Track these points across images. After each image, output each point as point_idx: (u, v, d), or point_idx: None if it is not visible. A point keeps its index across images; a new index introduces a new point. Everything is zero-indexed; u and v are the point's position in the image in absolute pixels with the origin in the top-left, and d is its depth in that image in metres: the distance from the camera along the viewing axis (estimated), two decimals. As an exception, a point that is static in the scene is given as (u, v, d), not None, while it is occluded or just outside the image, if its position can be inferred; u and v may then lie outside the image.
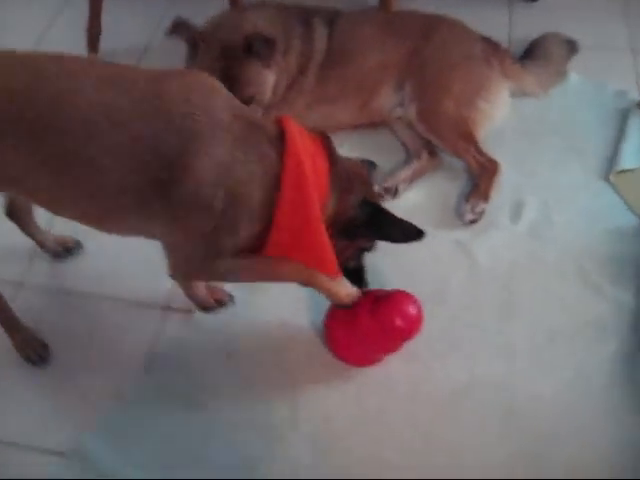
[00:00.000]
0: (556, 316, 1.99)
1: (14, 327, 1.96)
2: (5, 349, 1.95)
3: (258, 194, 1.54)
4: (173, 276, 1.72)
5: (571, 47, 2.61)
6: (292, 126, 1.59)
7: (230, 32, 2.20)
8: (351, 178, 1.67)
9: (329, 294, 1.74)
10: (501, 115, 2.39)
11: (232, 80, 2.06)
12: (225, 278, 1.80)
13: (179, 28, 2.20)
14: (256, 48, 2.15)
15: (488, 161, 2.26)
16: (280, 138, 1.57)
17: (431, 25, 2.42)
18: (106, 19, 2.78)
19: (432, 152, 2.34)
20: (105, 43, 2.80)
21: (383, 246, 2.11)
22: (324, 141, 1.66)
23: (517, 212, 2.23)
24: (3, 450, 1.81)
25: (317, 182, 1.57)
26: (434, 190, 2.31)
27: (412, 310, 1.76)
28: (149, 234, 1.68)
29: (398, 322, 1.74)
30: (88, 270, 2.15)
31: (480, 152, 2.27)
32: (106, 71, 1.56)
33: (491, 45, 2.46)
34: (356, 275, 1.83)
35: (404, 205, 2.24)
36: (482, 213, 2.18)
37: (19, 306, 1.98)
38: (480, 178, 2.25)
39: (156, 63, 2.68)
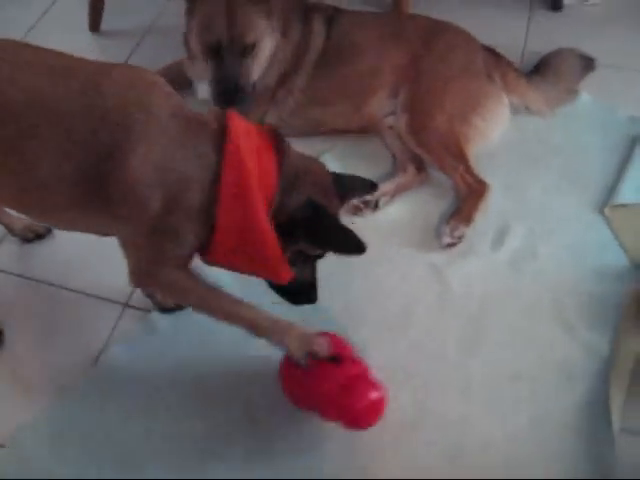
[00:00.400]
0: (522, 355, 1.89)
1: None
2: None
3: (197, 195, 1.49)
4: (130, 281, 1.66)
5: (587, 64, 2.47)
6: (236, 123, 1.52)
7: None
8: (300, 175, 1.57)
9: (281, 347, 1.61)
10: (497, 133, 2.28)
11: (234, 24, 2.10)
12: (175, 294, 1.71)
13: None
14: None
15: (477, 182, 2.15)
16: (222, 136, 1.50)
17: (433, 33, 2.31)
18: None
19: (419, 167, 2.23)
20: (108, 22, 2.78)
21: (353, 260, 2.05)
22: (274, 137, 1.57)
23: (500, 239, 2.11)
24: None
25: (263, 180, 1.50)
26: (417, 207, 2.21)
27: (380, 404, 1.63)
28: (100, 231, 1.65)
29: (363, 414, 1.62)
30: (55, 258, 2.11)
31: (469, 171, 2.16)
32: (49, 61, 1.54)
33: (494, 57, 2.34)
34: (305, 289, 1.73)
35: (383, 220, 2.17)
36: (461, 237, 2.08)
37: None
38: (465, 199, 2.14)
39: (158, 44, 2.65)
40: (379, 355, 1.87)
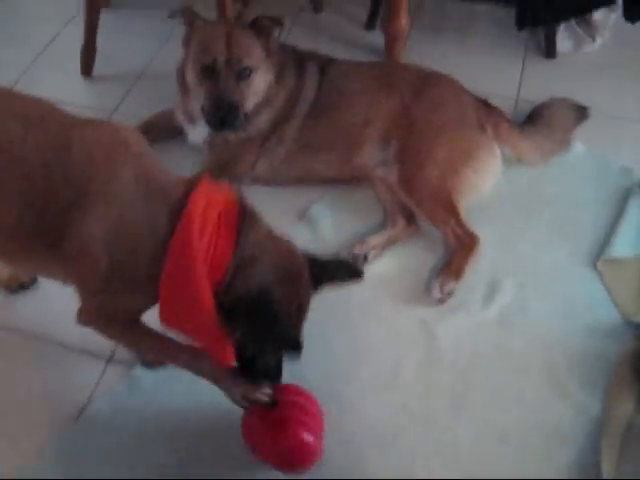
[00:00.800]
0: (511, 415, 1.84)
1: None
2: None
3: (143, 262, 1.48)
4: (77, 319, 1.65)
5: (580, 114, 2.45)
6: (200, 194, 1.48)
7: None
8: (259, 257, 1.49)
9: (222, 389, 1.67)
10: (489, 185, 2.25)
11: (232, 46, 2.14)
12: (126, 343, 1.75)
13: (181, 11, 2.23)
14: (262, 23, 2.17)
15: (467, 235, 2.12)
16: (182, 203, 1.47)
17: (424, 83, 2.30)
18: (104, 42, 2.76)
19: (410, 219, 2.21)
20: (100, 67, 2.79)
21: (339, 313, 2.02)
22: (241, 211, 1.53)
23: (490, 294, 2.08)
24: None
25: (214, 258, 1.45)
26: (406, 260, 2.17)
27: (311, 447, 1.64)
28: (60, 279, 1.66)
29: (291, 453, 1.64)
30: (40, 310, 2.08)
31: (460, 224, 2.13)
32: (26, 108, 1.56)
33: (486, 108, 2.32)
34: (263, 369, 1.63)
35: (372, 273, 2.11)
36: (451, 293, 2.04)
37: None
38: (455, 253, 2.11)
39: (149, 90, 2.65)
40: (367, 414, 1.85)
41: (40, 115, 1.55)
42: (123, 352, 1.95)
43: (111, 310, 1.59)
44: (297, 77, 2.30)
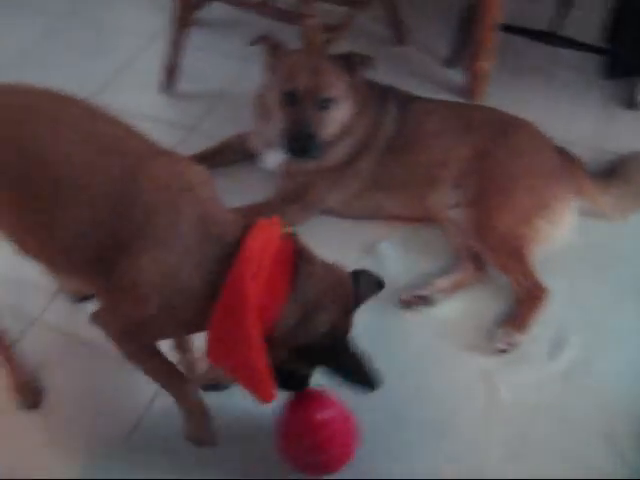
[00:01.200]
0: (565, 476, 1.78)
1: (12, 368, 1.96)
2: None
3: (192, 304, 1.49)
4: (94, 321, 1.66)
5: (662, 171, 2.38)
6: (254, 235, 1.47)
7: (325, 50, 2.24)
8: (321, 296, 1.50)
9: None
10: (563, 237, 2.19)
11: (316, 76, 2.15)
12: (132, 359, 1.71)
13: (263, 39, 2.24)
14: (353, 60, 2.17)
15: (536, 286, 2.07)
16: (237, 245, 1.46)
17: (505, 128, 2.26)
18: (187, 59, 2.81)
19: (479, 264, 2.17)
20: (182, 84, 2.84)
21: (397, 354, 2.00)
22: (296, 252, 1.52)
23: (555, 349, 2.02)
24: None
25: (268, 300, 1.45)
26: (472, 306, 2.14)
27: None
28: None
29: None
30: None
31: (529, 274, 2.08)
32: (102, 128, 1.58)
33: (567, 158, 2.27)
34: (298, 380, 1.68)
35: (436, 316, 2.11)
36: (514, 345, 2.00)
37: (27, 342, 2.00)
38: (522, 304, 2.07)
39: (229, 111, 2.67)
40: (417, 461, 1.82)
41: (115, 140, 1.56)
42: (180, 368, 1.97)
43: (137, 331, 1.58)
44: (378, 112, 2.29)
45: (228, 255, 1.46)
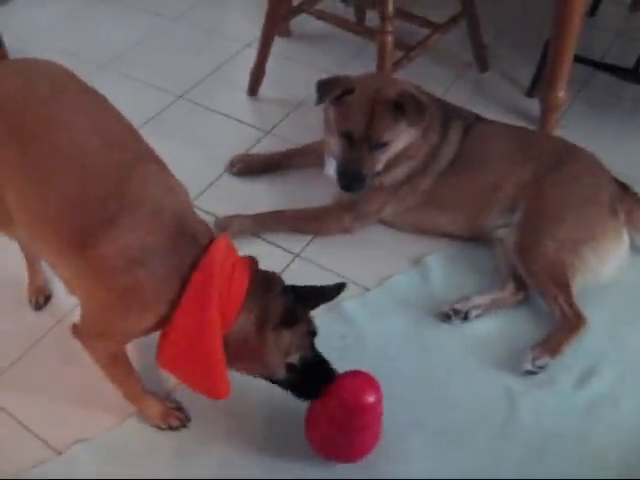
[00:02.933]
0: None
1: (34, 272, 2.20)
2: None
3: (154, 295, 1.59)
4: (73, 332, 1.78)
5: None
6: (220, 245, 1.61)
7: (387, 86, 2.23)
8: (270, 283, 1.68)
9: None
10: (610, 270, 2.17)
11: (372, 122, 2.18)
12: (102, 365, 1.84)
13: (326, 85, 2.26)
14: (407, 107, 2.17)
15: (574, 314, 2.07)
16: (204, 251, 1.60)
17: (563, 156, 2.27)
18: (276, 67, 2.98)
19: (520, 286, 2.18)
20: (267, 89, 3.00)
21: (425, 363, 2.05)
22: (252, 267, 1.69)
23: (584, 379, 2.01)
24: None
25: (227, 301, 1.59)
26: (507, 326, 2.15)
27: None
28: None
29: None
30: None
31: (569, 302, 2.08)
32: (109, 125, 1.70)
33: (623, 191, 2.26)
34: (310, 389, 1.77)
35: (469, 331, 2.14)
36: (543, 368, 2.00)
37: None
38: (558, 329, 2.07)
39: (307, 118, 2.80)
40: (426, 467, 1.86)
41: (119, 136, 1.69)
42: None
43: (106, 334, 1.71)
44: (441, 134, 2.33)
45: (197, 255, 1.59)
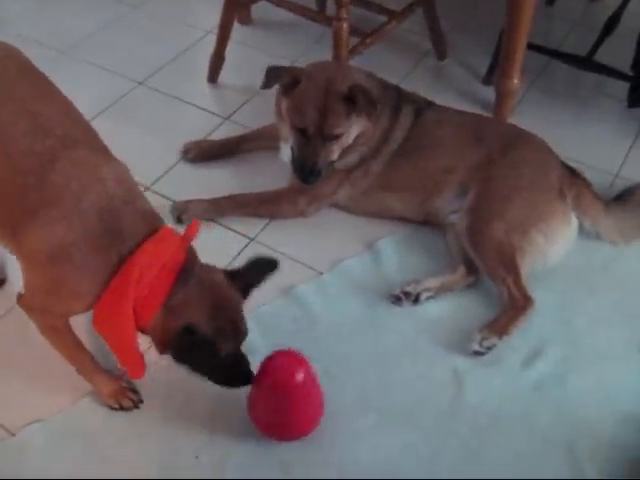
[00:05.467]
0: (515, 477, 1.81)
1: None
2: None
3: (79, 287, 1.63)
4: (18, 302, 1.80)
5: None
6: (150, 245, 1.62)
7: (337, 78, 2.25)
8: (187, 301, 1.65)
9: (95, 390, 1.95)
10: (559, 253, 2.21)
11: (325, 117, 2.20)
12: (45, 336, 1.85)
13: (274, 72, 2.28)
14: (359, 101, 2.20)
15: (522, 296, 2.11)
16: (134, 247, 1.60)
17: (512, 140, 2.31)
18: (236, 54, 3.00)
19: (470, 270, 2.22)
20: (227, 75, 3.01)
21: (374, 344, 2.09)
22: (184, 264, 1.67)
23: (531, 359, 2.05)
24: None
25: (146, 301, 1.61)
26: (457, 308, 2.18)
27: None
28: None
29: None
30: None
31: (517, 284, 2.12)
32: (39, 108, 1.69)
33: (572, 176, 2.29)
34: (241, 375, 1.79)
35: (419, 313, 2.17)
36: (490, 348, 2.04)
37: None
38: (505, 311, 2.11)
39: (266, 105, 2.80)
40: (372, 447, 1.88)
41: (47, 120, 1.67)
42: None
43: (44, 307, 1.74)
44: (392, 117, 2.35)
45: (125, 252, 1.60)
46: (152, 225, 1.68)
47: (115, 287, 1.59)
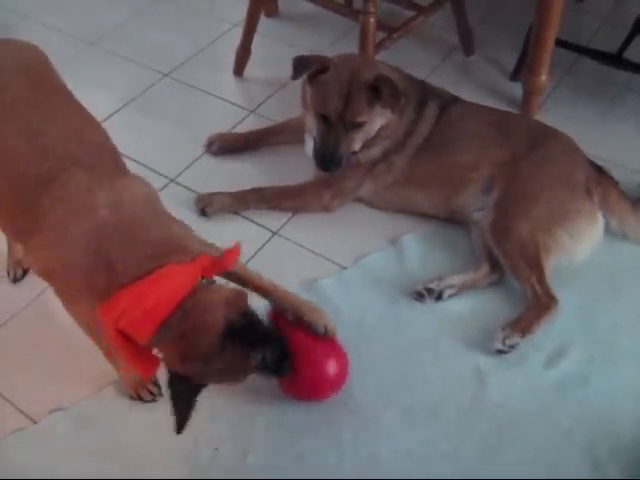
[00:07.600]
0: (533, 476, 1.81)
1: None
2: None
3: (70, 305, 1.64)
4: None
5: None
6: (126, 295, 1.49)
7: (363, 68, 2.26)
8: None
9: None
10: (584, 252, 2.18)
11: (348, 104, 2.21)
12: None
13: (303, 61, 2.28)
14: (383, 91, 2.20)
15: (546, 295, 2.09)
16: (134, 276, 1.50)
17: (539, 137, 2.29)
18: (263, 47, 3.01)
19: (494, 267, 2.20)
20: (252, 70, 3.02)
21: (398, 341, 2.09)
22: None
23: (554, 359, 2.03)
24: None
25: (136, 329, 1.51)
26: (480, 306, 2.17)
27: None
28: None
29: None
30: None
31: (542, 283, 2.10)
32: (45, 127, 1.66)
33: (600, 175, 2.27)
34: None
35: (443, 310, 2.16)
36: (513, 347, 2.02)
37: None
38: (529, 310, 2.09)
39: (291, 99, 2.81)
40: (393, 442, 1.88)
41: (50, 141, 1.63)
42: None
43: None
44: (417, 112, 2.35)
45: (111, 290, 1.49)
46: (156, 259, 1.53)
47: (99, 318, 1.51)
